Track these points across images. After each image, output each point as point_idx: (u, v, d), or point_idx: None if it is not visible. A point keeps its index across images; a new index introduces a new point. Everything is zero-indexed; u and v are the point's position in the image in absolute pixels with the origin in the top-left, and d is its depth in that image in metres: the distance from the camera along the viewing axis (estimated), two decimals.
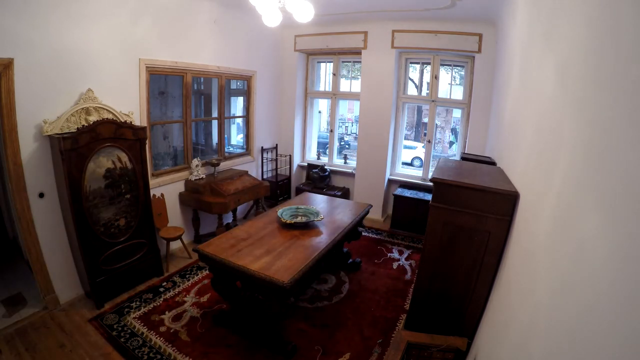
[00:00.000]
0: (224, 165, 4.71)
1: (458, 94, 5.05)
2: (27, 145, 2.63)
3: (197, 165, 4.12)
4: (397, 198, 4.91)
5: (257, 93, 5.21)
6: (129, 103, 3.33)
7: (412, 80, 5.50)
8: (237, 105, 5.87)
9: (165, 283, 3.39)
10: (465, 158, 3.31)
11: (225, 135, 5.08)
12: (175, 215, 4.07)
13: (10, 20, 2.39)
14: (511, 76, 2.77)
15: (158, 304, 3.06)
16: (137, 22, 3.30)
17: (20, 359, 2.37)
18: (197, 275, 3.59)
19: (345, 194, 5.58)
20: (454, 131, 11.57)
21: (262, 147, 5.49)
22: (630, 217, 0.73)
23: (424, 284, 2.40)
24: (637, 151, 0.74)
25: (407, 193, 4.95)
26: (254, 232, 2.93)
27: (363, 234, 4.59)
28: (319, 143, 6.50)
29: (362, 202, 4.04)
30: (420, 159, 8.91)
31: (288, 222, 3.04)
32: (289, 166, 5.90)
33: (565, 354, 0.91)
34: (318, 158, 6.16)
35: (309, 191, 5.04)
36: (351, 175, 5.60)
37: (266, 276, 2.26)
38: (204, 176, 4.19)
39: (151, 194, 3.48)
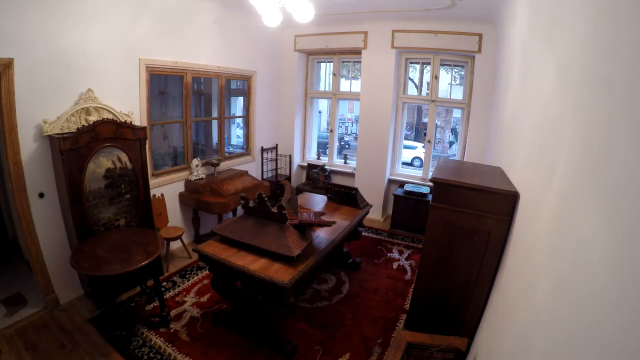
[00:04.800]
0: (224, 165, 4.71)
1: (458, 94, 5.05)
2: (27, 145, 2.63)
3: (197, 165, 4.13)
4: (397, 198, 4.91)
5: (257, 93, 5.21)
6: (129, 103, 3.33)
7: (412, 80, 5.50)
8: (237, 105, 5.88)
9: (165, 283, 3.39)
10: None
11: (225, 135, 5.08)
12: (175, 215, 4.07)
13: (10, 20, 2.39)
14: (511, 76, 2.77)
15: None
16: (137, 22, 3.30)
17: (20, 359, 2.38)
18: (197, 275, 3.59)
19: None
20: (454, 131, 11.58)
21: (262, 147, 5.49)
22: (629, 216, 0.73)
23: (424, 284, 2.41)
24: (636, 151, 0.74)
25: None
26: None
27: (363, 234, 4.59)
28: (319, 143, 6.50)
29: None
30: (420, 159, 8.92)
31: None
32: (289, 166, 5.90)
33: (564, 353, 0.91)
34: (318, 158, 6.16)
35: (309, 191, 5.03)
36: (351, 175, 5.60)
37: (266, 276, 2.26)
38: (204, 176, 4.19)
39: (151, 194, 3.48)
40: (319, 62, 5.91)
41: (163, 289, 3.28)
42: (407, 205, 4.83)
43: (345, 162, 5.92)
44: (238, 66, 4.74)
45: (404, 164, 6.15)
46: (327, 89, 5.87)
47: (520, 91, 2.34)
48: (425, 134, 5.29)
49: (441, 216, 2.22)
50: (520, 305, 1.43)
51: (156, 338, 2.65)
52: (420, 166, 6.35)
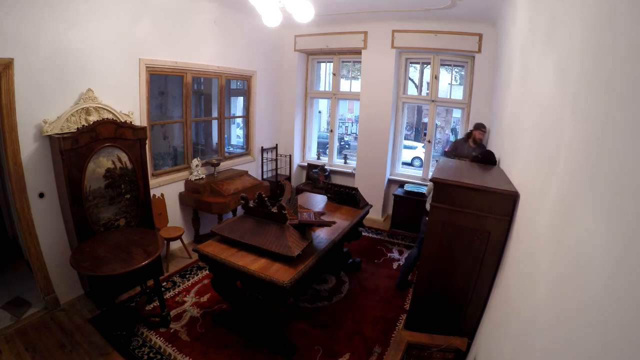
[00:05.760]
0: (224, 165, 4.71)
1: (458, 94, 5.05)
2: (27, 145, 2.63)
3: (197, 165, 4.13)
4: (397, 198, 4.91)
5: (257, 93, 5.21)
6: (129, 103, 3.33)
7: (412, 80, 5.50)
8: (237, 105, 5.88)
9: (165, 283, 3.39)
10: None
11: (225, 135, 5.09)
12: (175, 215, 4.07)
13: (10, 20, 2.39)
14: (511, 76, 2.77)
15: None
16: (137, 22, 3.30)
17: (20, 359, 2.38)
18: (197, 275, 3.59)
19: None
20: (454, 131, 11.56)
21: (262, 147, 5.49)
22: (629, 216, 0.73)
23: (424, 284, 2.41)
24: (635, 150, 0.74)
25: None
26: None
27: (363, 234, 4.59)
28: (319, 143, 6.50)
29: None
30: (420, 159, 8.91)
31: None
32: (289, 166, 5.90)
33: (565, 353, 0.91)
34: (318, 158, 6.16)
35: (309, 191, 5.03)
36: (351, 175, 5.61)
37: (266, 276, 2.25)
38: (204, 176, 4.19)
39: (151, 194, 3.48)
40: (319, 62, 5.91)
41: (163, 289, 3.28)
42: (407, 205, 4.82)
43: (345, 162, 5.92)
44: (238, 66, 4.74)
45: (404, 164, 6.15)
46: (327, 89, 5.87)
47: (520, 91, 2.34)
48: (425, 134, 5.29)
49: (441, 216, 2.22)
50: (520, 305, 1.43)
51: (156, 338, 2.65)
52: (420, 166, 6.34)
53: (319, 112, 7.11)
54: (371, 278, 3.68)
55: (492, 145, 3.52)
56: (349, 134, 11.53)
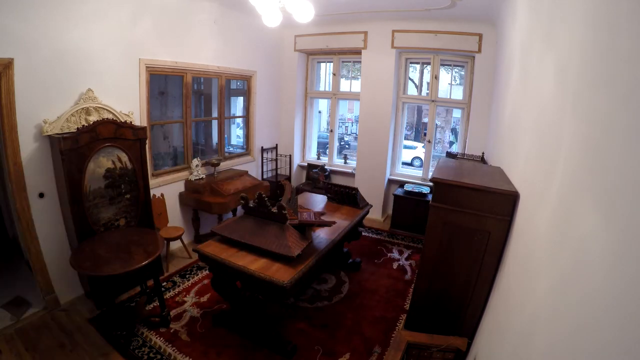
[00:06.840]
0: (224, 165, 4.71)
1: (458, 94, 5.05)
2: (27, 145, 2.63)
3: (197, 165, 4.12)
4: (397, 198, 4.91)
5: (257, 93, 5.21)
6: (129, 103, 3.33)
7: (412, 80, 5.50)
8: (237, 105, 5.88)
9: (165, 283, 3.39)
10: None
11: (225, 135, 5.08)
12: (175, 215, 4.07)
13: (10, 20, 2.39)
14: (511, 76, 2.77)
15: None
16: (137, 22, 3.30)
17: (20, 359, 2.37)
18: (197, 275, 3.59)
19: None
20: (454, 131, 11.55)
21: (262, 147, 5.49)
22: (628, 215, 0.73)
23: (424, 284, 2.41)
24: (634, 150, 0.74)
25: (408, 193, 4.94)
26: None
27: (363, 234, 4.59)
28: (319, 143, 6.50)
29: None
30: (420, 159, 8.91)
31: None
32: (289, 166, 5.90)
33: (565, 352, 0.91)
34: (318, 158, 6.16)
35: (309, 191, 5.03)
36: (351, 175, 5.60)
37: (266, 276, 2.25)
38: (204, 176, 4.19)
39: (151, 194, 3.48)
40: (319, 62, 5.91)
41: (163, 289, 3.28)
42: (407, 205, 4.82)
43: (345, 162, 5.92)
44: (238, 66, 4.74)
45: (404, 163, 6.15)
46: (327, 89, 5.87)
47: (520, 91, 2.34)
48: (425, 134, 5.29)
49: (441, 216, 2.22)
50: (520, 304, 1.43)
51: (156, 338, 2.65)
52: (420, 166, 6.35)
53: (319, 112, 7.12)
54: (371, 278, 3.68)
55: (493, 146, 3.52)
56: (349, 134, 11.52)
